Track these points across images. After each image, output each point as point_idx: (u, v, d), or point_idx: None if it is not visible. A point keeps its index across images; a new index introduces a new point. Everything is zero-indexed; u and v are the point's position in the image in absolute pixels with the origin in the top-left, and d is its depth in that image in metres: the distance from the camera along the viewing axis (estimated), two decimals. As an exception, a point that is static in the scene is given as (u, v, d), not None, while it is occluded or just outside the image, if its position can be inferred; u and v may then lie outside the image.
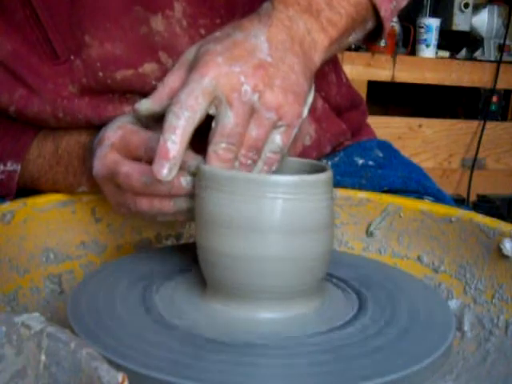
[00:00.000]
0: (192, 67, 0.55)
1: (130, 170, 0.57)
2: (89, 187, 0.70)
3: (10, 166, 0.72)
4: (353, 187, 0.80)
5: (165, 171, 0.51)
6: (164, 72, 0.69)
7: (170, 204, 0.57)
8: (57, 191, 0.71)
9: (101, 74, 0.69)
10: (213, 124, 0.54)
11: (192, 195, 0.55)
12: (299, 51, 0.58)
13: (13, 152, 0.73)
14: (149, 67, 0.70)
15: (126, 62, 0.70)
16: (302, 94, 0.57)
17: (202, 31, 0.71)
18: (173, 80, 0.58)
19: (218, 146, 0.53)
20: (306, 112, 0.58)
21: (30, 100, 0.71)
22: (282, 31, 0.58)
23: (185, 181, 0.55)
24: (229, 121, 0.53)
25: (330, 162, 0.88)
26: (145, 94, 0.62)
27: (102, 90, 0.71)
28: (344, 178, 0.83)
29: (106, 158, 0.59)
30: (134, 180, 0.57)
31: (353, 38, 0.67)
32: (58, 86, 0.70)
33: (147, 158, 0.57)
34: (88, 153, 0.68)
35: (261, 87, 0.54)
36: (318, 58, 0.61)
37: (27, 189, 0.74)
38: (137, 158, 0.58)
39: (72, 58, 0.69)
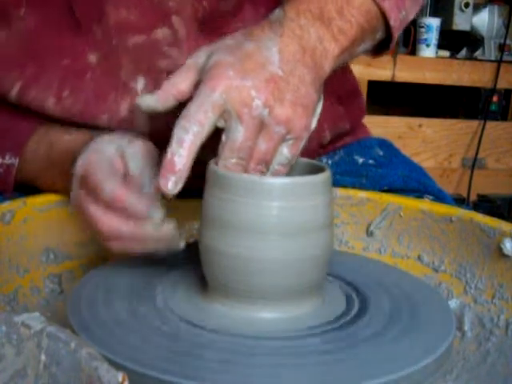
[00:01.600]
0: (202, 78, 0.55)
1: (95, 215, 0.57)
2: None
3: (8, 160, 0.72)
4: (353, 186, 0.80)
5: (170, 184, 0.51)
6: (176, 38, 0.70)
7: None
8: (56, 191, 0.71)
9: (114, 41, 0.70)
10: (222, 137, 0.54)
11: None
12: (310, 62, 0.58)
13: (12, 145, 0.72)
14: (161, 33, 0.70)
15: (139, 27, 0.70)
16: (310, 106, 0.57)
17: None
18: (180, 81, 0.57)
19: (228, 161, 0.53)
20: (314, 123, 0.59)
21: (38, 77, 0.70)
22: (294, 41, 0.58)
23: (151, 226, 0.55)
24: (239, 135, 0.53)
25: (330, 161, 0.88)
26: (154, 71, 0.64)
27: (114, 63, 0.70)
28: (344, 177, 0.83)
29: (75, 195, 0.60)
30: (103, 227, 0.57)
31: (362, 47, 0.67)
32: (75, 60, 0.70)
33: (103, 203, 0.56)
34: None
35: (271, 102, 0.54)
36: (328, 67, 0.61)
37: (28, 186, 0.74)
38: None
39: (93, 27, 0.70)
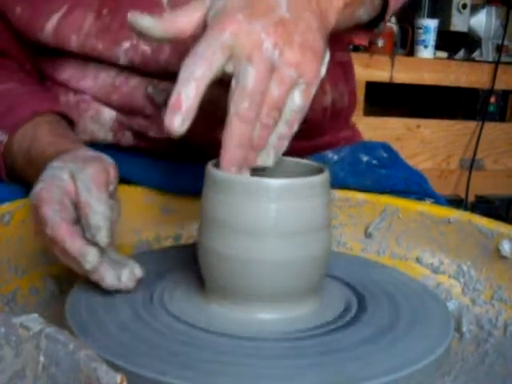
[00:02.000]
0: (209, 22, 0.54)
1: (45, 242, 0.56)
2: None
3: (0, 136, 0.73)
4: (356, 188, 0.80)
5: (177, 122, 0.50)
6: None
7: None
8: None
9: None
10: (232, 83, 0.52)
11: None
12: (316, 9, 0.57)
13: (8, 124, 0.73)
14: None
15: None
16: (319, 52, 0.56)
17: None
18: (184, 16, 0.55)
19: (241, 106, 0.51)
20: (323, 71, 0.57)
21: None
22: None
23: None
24: (250, 78, 0.51)
25: (335, 156, 0.89)
26: None
27: None
28: (348, 178, 0.84)
29: (32, 217, 0.58)
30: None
31: (362, 11, 0.67)
32: None
33: (47, 237, 0.55)
34: None
35: (281, 44, 0.53)
36: (332, 18, 0.60)
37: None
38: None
39: None
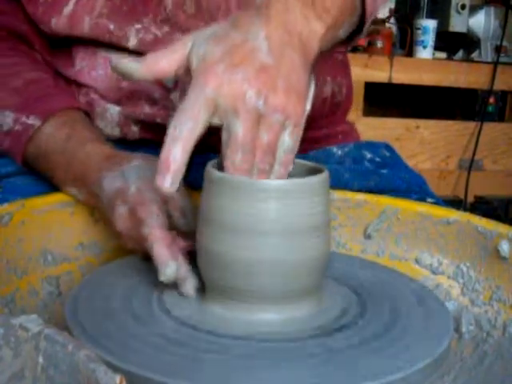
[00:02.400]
0: (192, 73, 0.55)
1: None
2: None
3: (30, 120, 0.74)
4: (361, 190, 0.80)
5: (167, 183, 0.51)
6: None
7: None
8: (55, 183, 0.72)
9: None
10: (223, 136, 0.53)
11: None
12: (298, 44, 0.57)
13: (41, 110, 0.75)
14: None
15: None
16: (303, 91, 0.56)
17: None
18: (164, 59, 0.57)
19: (235, 157, 0.53)
20: (308, 107, 0.58)
21: None
22: (280, 26, 0.57)
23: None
24: (239, 130, 0.52)
25: (340, 151, 0.91)
26: None
27: None
28: (352, 180, 0.84)
29: (123, 219, 0.63)
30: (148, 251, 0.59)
31: (342, 31, 0.67)
32: None
33: (139, 235, 0.60)
34: (94, 174, 0.68)
35: (264, 91, 0.53)
36: (316, 46, 0.60)
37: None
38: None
39: None
